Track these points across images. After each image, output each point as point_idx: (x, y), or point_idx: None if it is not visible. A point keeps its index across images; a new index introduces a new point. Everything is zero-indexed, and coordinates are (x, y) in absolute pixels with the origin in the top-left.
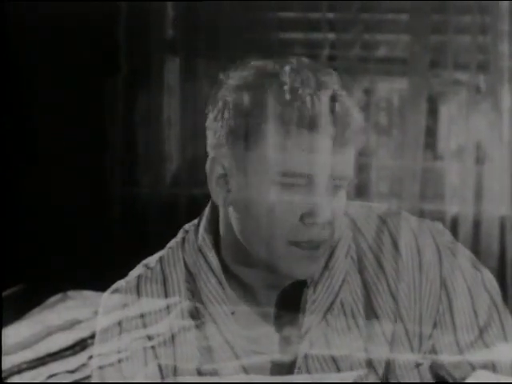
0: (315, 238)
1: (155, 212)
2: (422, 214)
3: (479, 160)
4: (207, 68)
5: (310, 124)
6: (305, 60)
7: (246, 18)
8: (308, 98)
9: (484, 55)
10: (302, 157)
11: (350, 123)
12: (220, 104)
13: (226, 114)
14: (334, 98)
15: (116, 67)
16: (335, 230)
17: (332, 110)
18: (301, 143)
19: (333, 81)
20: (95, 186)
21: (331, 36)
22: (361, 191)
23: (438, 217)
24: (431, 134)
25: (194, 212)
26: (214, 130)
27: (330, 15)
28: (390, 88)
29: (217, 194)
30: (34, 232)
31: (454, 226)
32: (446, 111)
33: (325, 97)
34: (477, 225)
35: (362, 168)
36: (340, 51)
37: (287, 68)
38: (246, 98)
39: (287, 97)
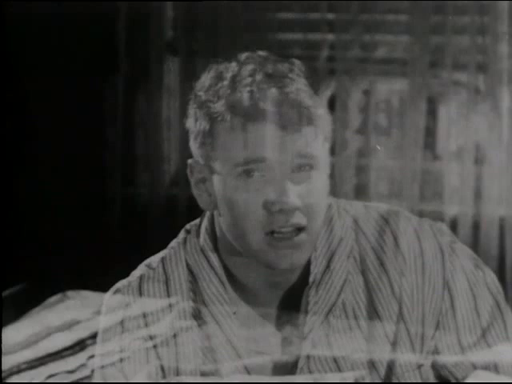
0: (286, 225)
1: (154, 212)
2: (421, 215)
3: (478, 161)
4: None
5: (252, 112)
6: (263, 54)
7: (245, 18)
8: (247, 89)
9: (483, 56)
10: (251, 143)
11: (300, 106)
12: (190, 111)
13: (193, 119)
14: (280, 85)
15: (116, 68)
16: (315, 216)
17: (277, 97)
18: (248, 131)
19: (289, 69)
20: (95, 185)
21: (330, 37)
22: (360, 192)
23: (438, 217)
24: (430, 134)
25: (193, 213)
26: (190, 135)
27: (330, 16)
28: (390, 89)
29: (200, 198)
30: (34, 232)
31: (453, 227)
32: (445, 112)
33: (269, 85)
34: (476, 225)
35: (361, 168)
36: (339, 52)
37: (233, 63)
38: (203, 100)
39: (227, 91)
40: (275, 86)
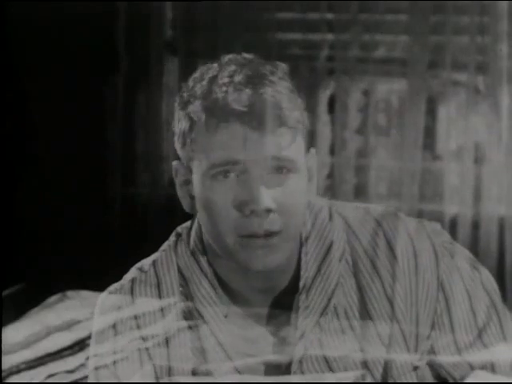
0: (258, 229)
1: (154, 212)
2: (420, 215)
3: (478, 160)
4: None
5: (225, 113)
6: (248, 56)
7: (244, 18)
8: (222, 89)
9: (483, 56)
10: (224, 144)
11: (275, 108)
12: (175, 113)
13: (176, 120)
14: (256, 87)
15: (115, 67)
16: (291, 219)
17: (251, 98)
18: (222, 132)
19: (270, 71)
20: (94, 185)
21: (330, 36)
22: (359, 192)
23: (437, 217)
24: (430, 134)
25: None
26: (174, 137)
27: (329, 16)
28: (389, 89)
29: (183, 200)
30: (33, 232)
31: (452, 227)
32: (444, 112)
33: (245, 86)
34: (476, 225)
35: (360, 169)
36: (339, 52)
37: (215, 64)
38: (185, 101)
39: (204, 91)
40: (251, 87)
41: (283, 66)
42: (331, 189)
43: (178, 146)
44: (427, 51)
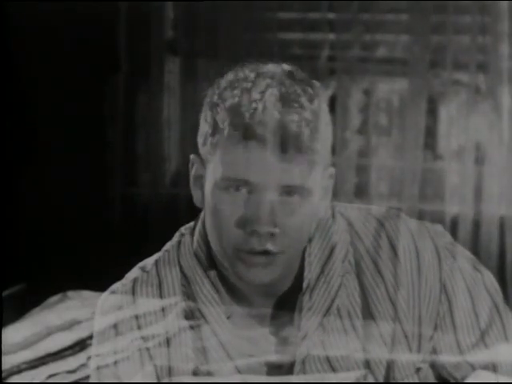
0: (257, 248)
1: (155, 212)
2: (421, 215)
3: (479, 160)
4: (207, 68)
5: (248, 131)
6: (286, 68)
7: (245, 18)
8: (252, 105)
9: (484, 56)
10: (240, 162)
11: (298, 139)
12: (204, 106)
13: (203, 115)
14: (285, 111)
15: (116, 67)
16: (292, 244)
17: (277, 123)
18: (239, 149)
19: (303, 90)
20: (95, 186)
21: (331, 36)
22: (360, 192)
23: (438, 217)
24: (431, 134)
25: (194, 212)
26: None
27: (330, 15)
28: (390, 88)
29: (195, 193)
30: (33, 232)
31: (453, 226)
32: (445, 111)
33: (274, 107)
34: (476, 225)
35: (361, 169)
36: (340, 52)
37: (251, 74)
38: (214, 102)
39: (235, 101)
40: (280, 110)
41: (317, 85)
42: (332, 189)
43: (199, 141)
44: (428, 51)
